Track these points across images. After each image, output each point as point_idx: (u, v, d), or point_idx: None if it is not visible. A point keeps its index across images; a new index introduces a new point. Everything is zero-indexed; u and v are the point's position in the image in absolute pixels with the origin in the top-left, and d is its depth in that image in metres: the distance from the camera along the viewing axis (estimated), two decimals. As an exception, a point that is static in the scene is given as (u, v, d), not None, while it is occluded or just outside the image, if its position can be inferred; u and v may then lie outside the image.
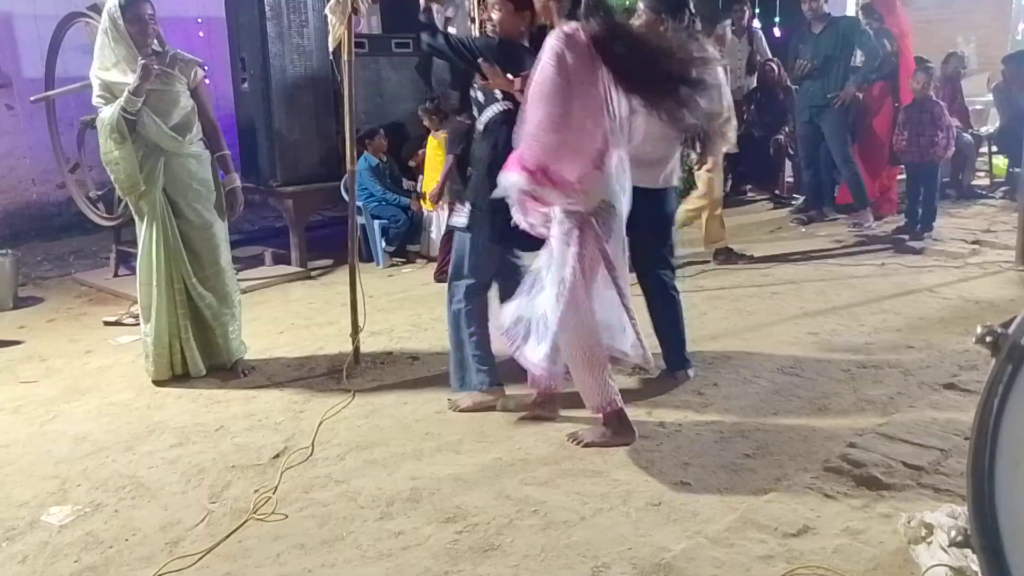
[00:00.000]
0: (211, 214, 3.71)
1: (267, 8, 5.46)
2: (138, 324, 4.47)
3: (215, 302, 3.72)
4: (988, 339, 1.11)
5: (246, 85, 5.74)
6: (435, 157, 5.64)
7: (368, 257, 5.78)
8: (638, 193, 3.02)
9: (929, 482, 2.60)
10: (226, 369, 3.79)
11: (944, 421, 3.02)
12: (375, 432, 3.18)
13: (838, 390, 3.39)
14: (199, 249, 3.69)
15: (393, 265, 5.83)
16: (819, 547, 2.28)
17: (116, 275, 5.52)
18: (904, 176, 6.34)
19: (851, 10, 9.70)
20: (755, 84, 7.56)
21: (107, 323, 4.65)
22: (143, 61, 3.44)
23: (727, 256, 5.42)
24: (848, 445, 2.87)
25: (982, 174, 7.85)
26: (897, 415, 3.11)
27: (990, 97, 8.12)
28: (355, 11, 3.51)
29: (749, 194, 7.83)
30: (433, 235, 5.83)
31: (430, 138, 5.74)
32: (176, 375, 3.72)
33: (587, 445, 2.96)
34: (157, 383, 3.70)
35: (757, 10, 7.98)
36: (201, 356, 3.73)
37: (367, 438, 3.13)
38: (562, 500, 2.61)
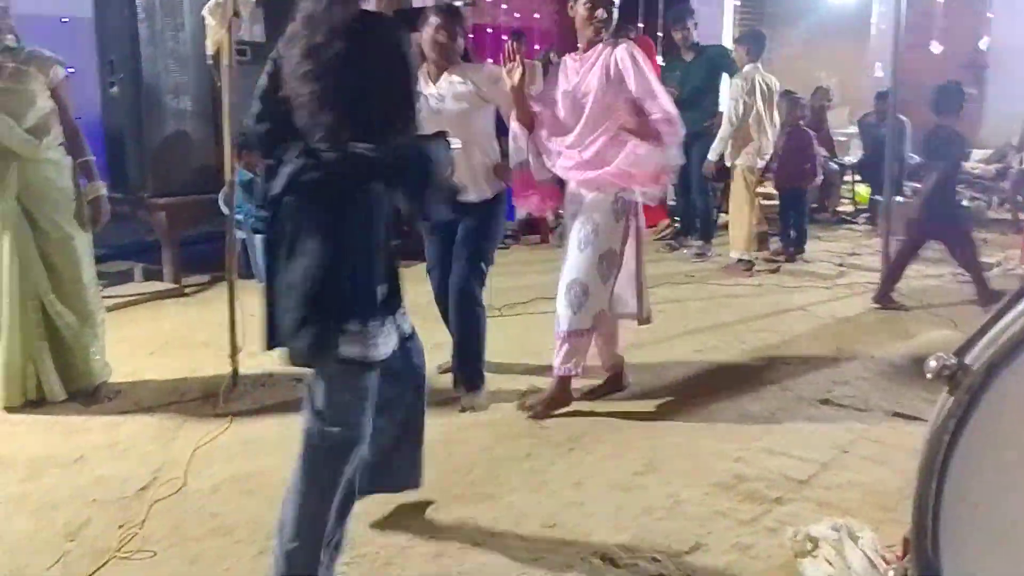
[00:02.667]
0: (71, 225, 3.41)
1: (139, 9, 5.15)
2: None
3: (75, 321, 3.42)
4: (945, 372, 1.07)
5: (115, 89, 5.39)
6: None
7: (249, 273, 5.50)
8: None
9: (812, 495, 2.68)
10: (87, 394, 3.48)
11: (822, 434, 3.15)
12: (253, 460, 2.98)
13: (721, 407, 3.48)
14: (58, 263, 3.39)
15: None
16: (711, 563, 2.30)
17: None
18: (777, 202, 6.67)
19: (727, 41, 10.25)
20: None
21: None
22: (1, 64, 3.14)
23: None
24: (734, 460, 2.93)
25: (846, 201, 8.39)
26: (778, 429, 3.22)
27: (852, 129, 8.72)
28: (235, 15, 3.34)
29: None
30: None
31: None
32: (30, 400, 3.39)
33: (537, 415, 3.31)
34: (8, 409, 3.35)
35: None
36: (59, 379, 3.42)
37: (245, 467, 2.93)
38: (454, 526, 2.53)
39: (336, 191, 1.83)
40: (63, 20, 6.43)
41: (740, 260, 5.86)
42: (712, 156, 5.70)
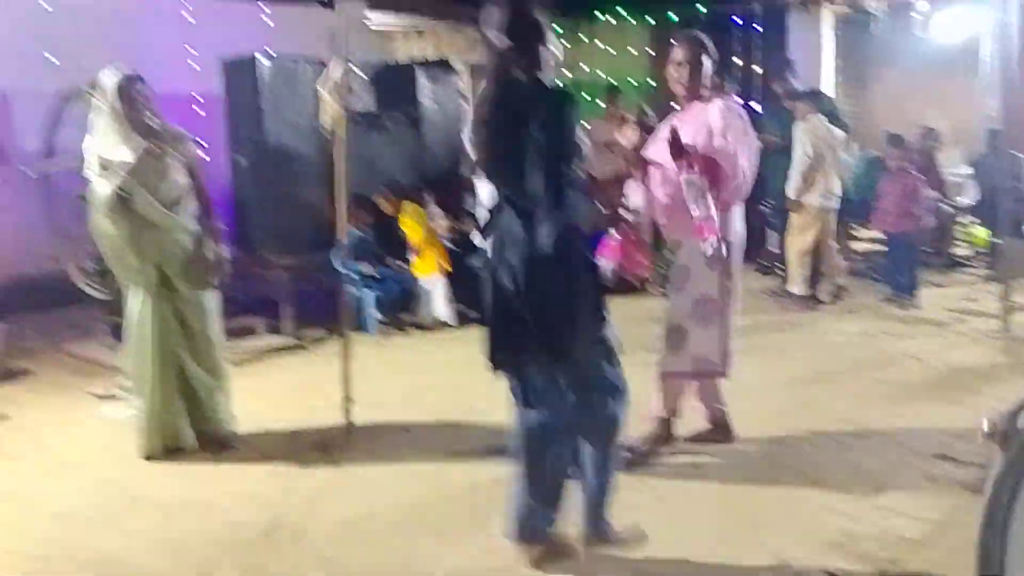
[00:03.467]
0: (201, 287, 3.73)
1: (263, 85, 5.61)
2: (126, 398, 4.44)
3: (206, 375, 3.72)
4: (997, 432, 1.12)
5: (242, 160, 5.85)
6: (414, 230, 5.94)
7: (361, 327, 5.79)
8: None
9: (928, 556, 2.59)
10: (216, 442, 3.75)
11: (939, 492, 3.03)
12: (366, 507, 3.14)
13: (830, 459, 3.40)
14: (191, 322, 3.71)
15: (385, 335, 5.84)
16: (818, 623, 2.26)
17: (108, 347, 5.49)
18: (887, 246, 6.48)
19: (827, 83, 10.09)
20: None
21: (96, 396, 4.61)
22: (146, 145, 3.51)
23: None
24: (844, 517, 2.86)
25: (962, 244, 8.01)
26: (891, 485, 3.12)
27: (967, 169, 8.36)
28: (349, 90, 3.62)
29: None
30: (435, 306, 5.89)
31: (402, 220, 6.03)
32: (167, 448, 3.69)
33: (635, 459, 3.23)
34: (148, 458, 3.65)
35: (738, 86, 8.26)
36: (192, 430, 3.71)
37: (357, 513, 3.09)
38: (558, 576, 2.58)
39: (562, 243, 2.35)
40: (198, 98, 7.07)
41: (793, 295, 6.14)
42: (791, 194, 5.94)
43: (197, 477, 3.48)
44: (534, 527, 2.57)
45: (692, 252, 3.28)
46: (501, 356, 2.47)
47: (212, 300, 3.80)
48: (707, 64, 3.31)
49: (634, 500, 3.04)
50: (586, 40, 10.43)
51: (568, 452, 2.53)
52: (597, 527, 2.61)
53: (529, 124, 2.28)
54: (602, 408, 2.52)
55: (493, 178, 2.41)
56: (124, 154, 3.52)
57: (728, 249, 3.28)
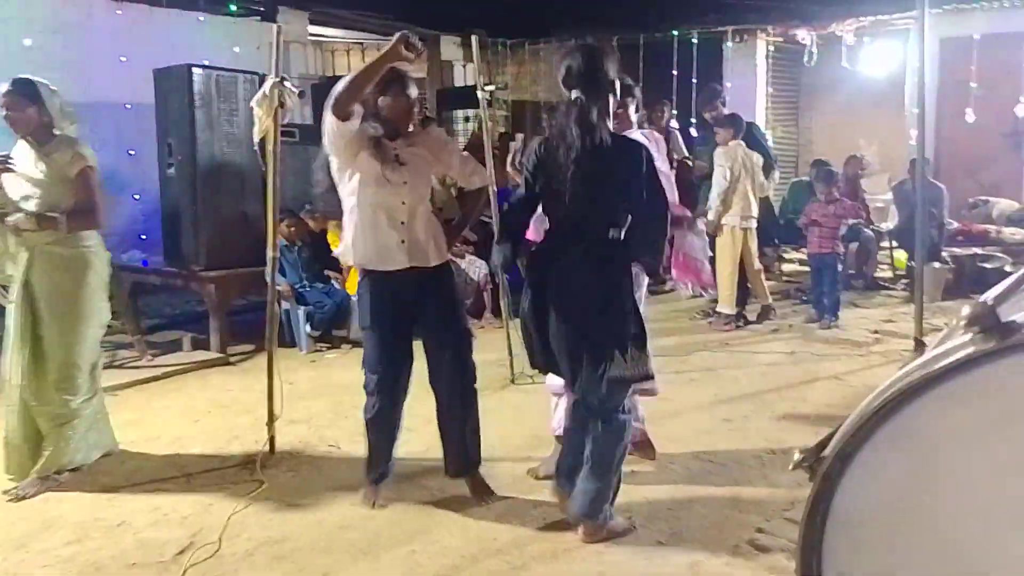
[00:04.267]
0: (69, 308, 3.45)
1: (196, 96, 5.52)
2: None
3: (48, 408, 3.46)
4: (804, 464, 1.25)
5: (172, 170, 5.74)
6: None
7: (290, 343, 5.72)
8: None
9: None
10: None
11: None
12: (287, 526, 3.09)
13: (749, 476, 3.48)
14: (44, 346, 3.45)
15: (317, 351, 5.77)
16: (726, 635, 2.31)
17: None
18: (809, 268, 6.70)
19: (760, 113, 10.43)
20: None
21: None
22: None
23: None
24: (756, 530, 2.94)
25: (885, 267, 8.34)
26: (803, 499, 3.20)
27: (888, 196, 8.71)
28: (281, 105, 3.60)
29: (670, 283, 8.10)
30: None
31: (330, 234, 6.00)
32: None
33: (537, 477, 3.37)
34: (58, 472, 3.51)
35: (675, 111, 8.48)
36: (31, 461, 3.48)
37: (279, 532, 3.04)
38: (475, 593, 2.58)
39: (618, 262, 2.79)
40: (127, 106, 6.93)
41: (721, 314, 6.31)
42: (711, 217, 6.09)
43: (111, 495, 3.38)
44: (596, 508, 2.86)
45: None
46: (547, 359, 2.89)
47: (83, 322, 3.48)
48: (630, 104, 3.40)
49: (549, 516, 3.08)
50: (530, 61, 10.59)
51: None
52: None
53: (615, 170, 2.71)
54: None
55: (577, 213, 2.74)
56: None
57: None
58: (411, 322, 3.12)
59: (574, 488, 2.89)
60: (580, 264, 2.75)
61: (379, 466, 3.24)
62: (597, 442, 2.81)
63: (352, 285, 5.84)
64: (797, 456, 1.25)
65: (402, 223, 2.99)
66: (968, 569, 1.11)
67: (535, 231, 3.41)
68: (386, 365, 3.13)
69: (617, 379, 2.73)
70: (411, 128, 3.13)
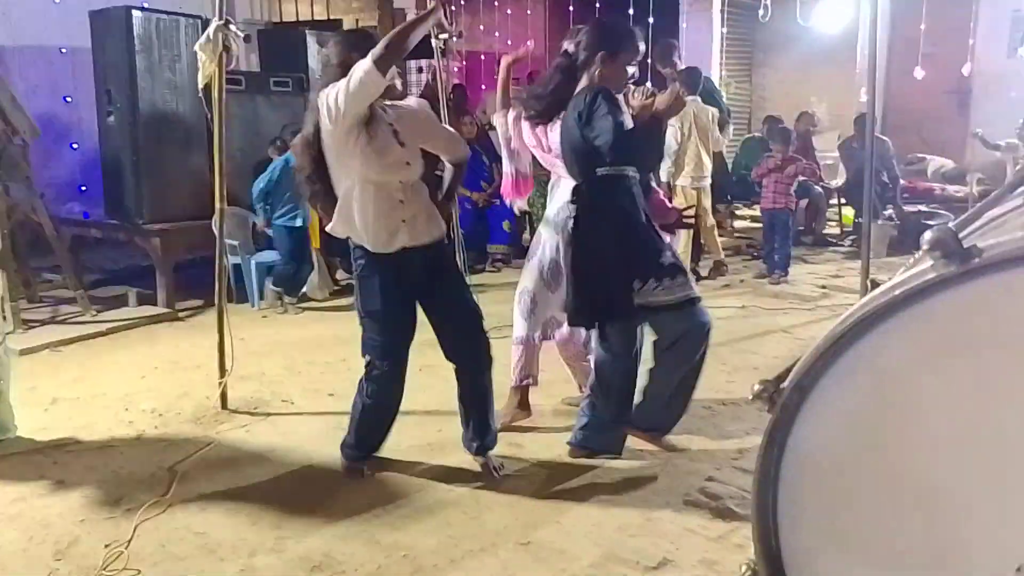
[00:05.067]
0: None
1: (136, 41, 5.29)
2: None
3: None
4: (763, 395, 1.25)
5: (112, 119, 5.52)
6: None
7: (240, 298, 5.61)
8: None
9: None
10: None
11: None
12: (240, 480, 3.06)
13: (700, 426, 3.55)
14: None
15: (272, 307, 5.67)
16: (678, 578, 2.37)
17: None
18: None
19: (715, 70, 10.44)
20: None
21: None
22: None
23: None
24: (706, 479, 3.01)
25: (833, 223, 8.50)
26: (753, 448, 3.29)
27: (838, 153, 8.85)
28: (226, 50, 3.47)
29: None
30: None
31: None
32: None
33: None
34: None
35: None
36: None
37: (230, 486, 3.01)
38: (431, 544, 2.60)
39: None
40: (62, 51, 6.61)
41: None
42: (663, 176, 6.05)
43: (58, 454, 3.30)
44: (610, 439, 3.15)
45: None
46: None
47: None
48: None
49: (508, 466, 3.10)
50: (484, 11, 10.39)
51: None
52: None
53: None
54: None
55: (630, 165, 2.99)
56: None
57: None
58: (415, 302, 2.98)
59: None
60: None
61: (373, 448, 3.11)
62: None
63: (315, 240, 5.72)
64: (756, 387, 1.25)
65: (401, 202, 2.85)
66: (926, 495, 1.13)
67: (515, 189, 3.41)
68: (397, 349, 2.97)
69: None
70: (398, 102, 2.96)
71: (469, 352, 3.04)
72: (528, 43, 3.49)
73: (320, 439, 3.40)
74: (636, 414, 3.16)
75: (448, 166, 3.21)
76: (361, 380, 3.02)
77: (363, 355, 2.99)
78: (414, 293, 2.95)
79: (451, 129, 3.33)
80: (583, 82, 3.04)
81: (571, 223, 3.03)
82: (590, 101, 2.88)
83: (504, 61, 3.51)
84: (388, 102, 2.89)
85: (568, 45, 3.12)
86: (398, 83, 2.90)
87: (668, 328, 3.05)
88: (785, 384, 1.22)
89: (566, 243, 3.12)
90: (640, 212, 3.02)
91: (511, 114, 3.46)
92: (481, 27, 10.69)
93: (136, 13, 5.32)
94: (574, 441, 3.20)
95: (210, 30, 3.46)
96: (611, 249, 2.96)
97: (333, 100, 2.68)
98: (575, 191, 3.05)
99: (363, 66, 2.61)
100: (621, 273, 2.96)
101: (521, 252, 7.19)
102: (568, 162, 3.09)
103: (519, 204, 3.87)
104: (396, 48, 2.65)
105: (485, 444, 3.10)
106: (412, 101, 3.10)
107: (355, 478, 3.07)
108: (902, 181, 8.19)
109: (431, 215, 2.98)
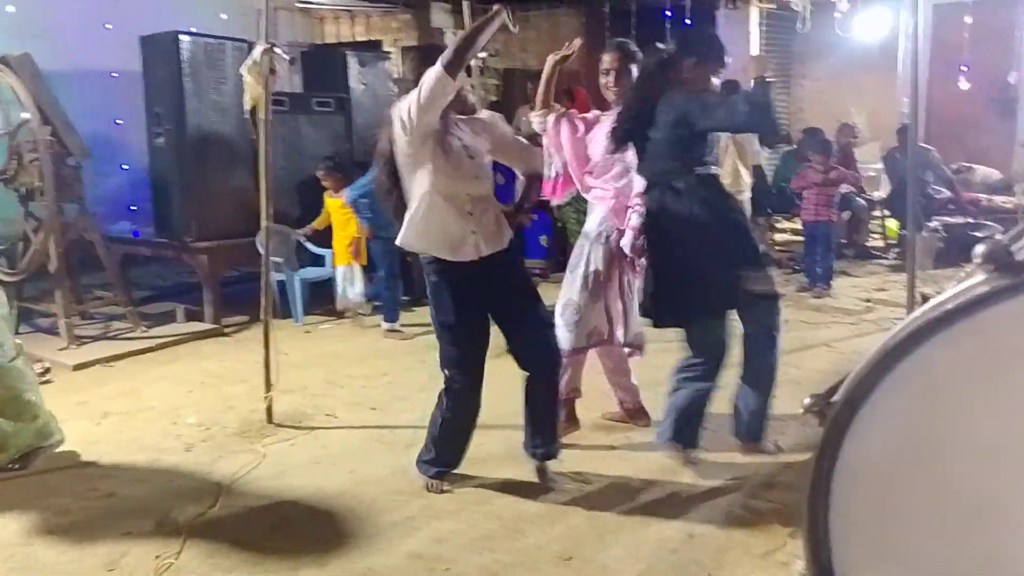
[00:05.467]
0: None
1: (184, 65, 5.45)
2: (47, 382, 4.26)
3: None
4: (814, 409, 1.25)
5: (160, 140, 5.68)
6: (339, 218, 5.66)
7: (285, 313, 5.72)
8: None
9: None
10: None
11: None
12: (284, 493, 3.11)
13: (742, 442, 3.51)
14: None
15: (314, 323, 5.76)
16: (721, 596, 2.35)
17: (16, 332, 5.29)
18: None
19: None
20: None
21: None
22: None
23: None
24: (751, 496, 2.98)
25: (876, 236, 8.36)
26: (796, 464, 3.25)
27: (882, 164, 8.71)
28: (272, 72, 3.56)
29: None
30: (348, 292, 5.78)
31: (328, 199, 5.69)
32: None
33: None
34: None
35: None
36: None
37: (276, 499, 3.06)
38: (474, 559, 2.61)
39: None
40: (113, 75, 6.82)
41: None
42: None
43: (107, 467, 3.39)
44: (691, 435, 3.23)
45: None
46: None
47: None
48: (634, 71, 3.39)
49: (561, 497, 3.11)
50: (520, 28, 10.48)
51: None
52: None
53: None
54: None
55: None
56: None
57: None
58: (487, 312, 3.02)
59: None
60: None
61: (453, 462, 3.13)
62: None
63: (340, 257, 5.75)
64: (807, 401, 1.25)
65: (470, 213, 2.90)
66: (978, 508, 1.12)
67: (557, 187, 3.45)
68: (475, 360, 3.00)
69: None
70: (467, 114, 3.02)
71: (542, 359, 3.07)
72: (576, 40, 3.46)
73: (363, 453, 3.45)
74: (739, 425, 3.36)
75: (522, 178, 3.25)
76: (440, 394, 3.06)
77: (442, 369, 3.02)
78: (486, 303, 2.99)
79: (525, 141, 3.33)
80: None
81: (665, 223, 3.09)
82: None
83: (550, 59, 3.49)
84: (460, 116, 2.95)
85: (648, 59, 3.25)
86: (470, 98, 2.99)
87: (762, 318, 3.21)
88: (836, 398, 1.22)
89: (651, 244, 3.17)
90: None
91: (551, 117, 3.46)
92: (518, 44, 10.76)
93: (184, 38, 5.49)
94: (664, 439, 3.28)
95: (256, 53, 3.56)
96: (712, 245, 3.03)
97: (406, 111, 2.75)
98: (669, 192, 3.07)
99: (433, 71, 2.67)
100: (718, 268, 3.05)
101: (558, 266, 7.21)
102: (660, 164, 3.10)
103: (556, 202, 3.81)
104: (464, 51, 2.71)
105: (550, 452, 3.13)
106: (485, 114, 3.17)
107: (436, 493, 3.06)
108: (946, 192, 8.04)
109: (500, 226, 3.03)
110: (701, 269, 3.03)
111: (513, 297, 3.04)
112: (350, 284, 5.70)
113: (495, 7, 2.72)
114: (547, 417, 3.12)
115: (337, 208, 5.65)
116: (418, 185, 2.88)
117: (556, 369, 3.14)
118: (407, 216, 2.91)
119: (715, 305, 3.13)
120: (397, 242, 2.98)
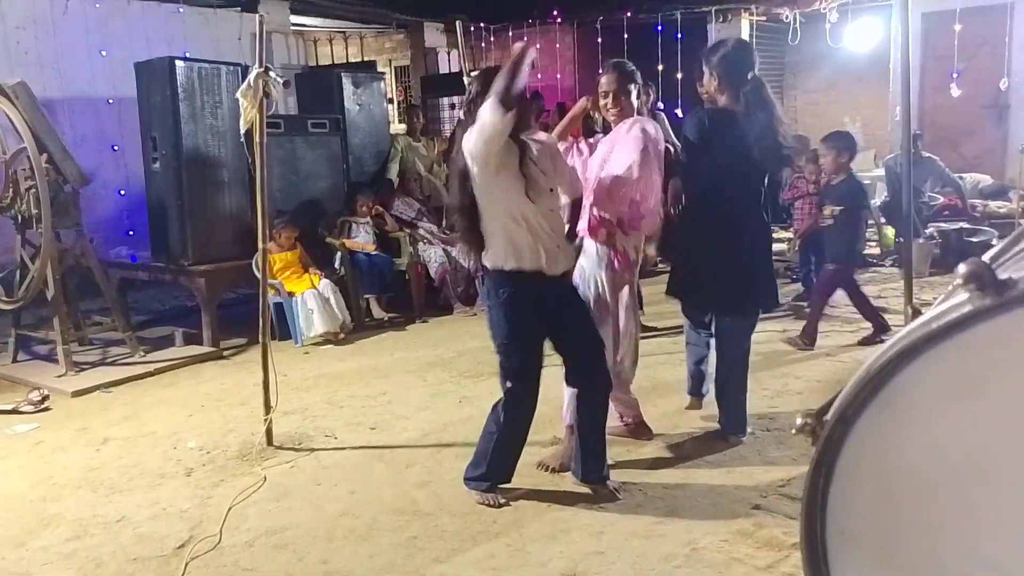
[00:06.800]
0: None
1: (180, 90, 5.47)
2: (37, 412, 4.30)
3: None
4: (806, 428, 1.26)
5: (157, 165, 5.69)
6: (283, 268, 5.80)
7: (283, 335, 5.71)
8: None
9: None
10: None
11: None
12: (286, 515, 3.11)
13: (744, 453, 3.52)
14: None
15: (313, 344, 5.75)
16: (726, 610, 2.34)
17: (15, 360, 5.29)
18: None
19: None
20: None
21: (2, 411, 4.42)
22: None
23: None
24: (753, 507, 2.97)
25: (873, 244, 8.38)
26: (799, 475, 3.24)
27: (876, 172, 8.75)
28: (267, 95, 3.58)
29: (660, 265, 8.13)
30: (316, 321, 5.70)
31: (273, 255, 5.61)
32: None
33: (554, 470, 3.34)
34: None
35: (660, 92, 8.48)
36: None
37: (277, 522, 3.05)
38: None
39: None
40: (109, 101, 6.87)
41: None
42: None
43: (109, 491, 3.38)
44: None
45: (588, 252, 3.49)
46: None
47: None
48: (632, 90, 3.42)
49: (553, 499, 3.10)
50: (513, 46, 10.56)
51: None
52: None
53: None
54: None
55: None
56: None
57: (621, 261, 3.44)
58: (550, 325, 3.11)
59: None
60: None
61: (506, 475, 3.18)
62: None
63: (293, 286, 5.74)
64: (799, 421, 1.26)
65: (553, 229, 3.03)
66: (969, 522, 1.13)
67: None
68: (536, 372, 3.10)
69: None
70: (532, 135, 3.10)
71: (594, 377, 3.17)
72: (588, 98, 3.60)
73: (363, 473, 3.44)
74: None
75: (565, 201, 3.30)
76: (497, 407, 3.12)
77: (505, 383, 3.08)
78: (551, 319, 3.09)
79: (573, 166, 3.43)
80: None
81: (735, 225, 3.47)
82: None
83: (583, 101, 3.60)
84: (527, 136, 3.04)
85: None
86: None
87: (749, 323, 3.69)
88: (828, 417, 1.23)
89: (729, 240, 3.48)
90: None
91: (562, 145, 3.51)
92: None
93: (179, 63, 5.52)
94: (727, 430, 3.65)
95: (251, 77, 3.58)
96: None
97: (472, 148, 2.86)
98: (739, 200, 3.49)
99: (489, 110, 2.76)
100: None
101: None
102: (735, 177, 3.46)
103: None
104: (511, 82, 2.76)
105: (603, 475, 3.19)
106: (541, 135, 3.25)
107: (495, 507, 3.08)
108: (942, 198, 8.07)
109: (567, 246, 3.16)
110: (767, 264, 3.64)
111: (575, 314, 3.18)
112: (321, 306, 5.64)
113: (515, 45, 2.80)
114: (597, 433, 3.21)
115: (282, 265, 5.78)
116: (501, 206, 2.96)
117: (608, 388, 3.24)
118: (491, 235, 3.00)
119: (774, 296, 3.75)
120: (485, 262, 3.07)
